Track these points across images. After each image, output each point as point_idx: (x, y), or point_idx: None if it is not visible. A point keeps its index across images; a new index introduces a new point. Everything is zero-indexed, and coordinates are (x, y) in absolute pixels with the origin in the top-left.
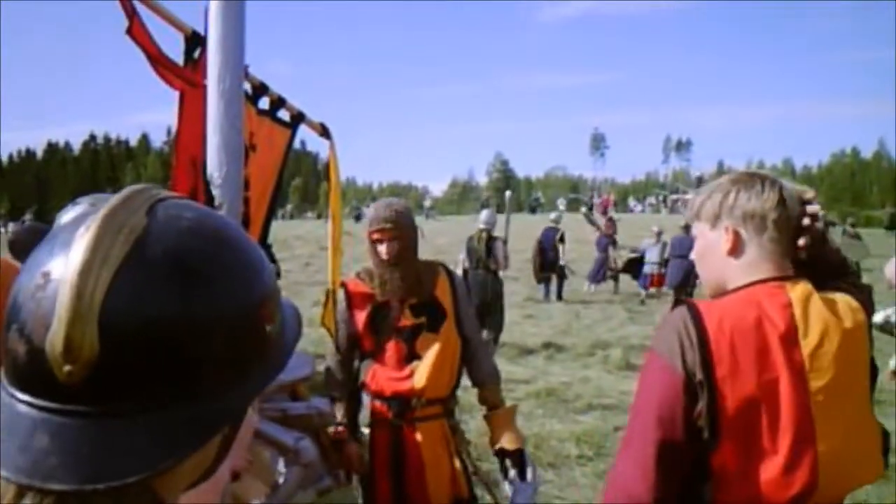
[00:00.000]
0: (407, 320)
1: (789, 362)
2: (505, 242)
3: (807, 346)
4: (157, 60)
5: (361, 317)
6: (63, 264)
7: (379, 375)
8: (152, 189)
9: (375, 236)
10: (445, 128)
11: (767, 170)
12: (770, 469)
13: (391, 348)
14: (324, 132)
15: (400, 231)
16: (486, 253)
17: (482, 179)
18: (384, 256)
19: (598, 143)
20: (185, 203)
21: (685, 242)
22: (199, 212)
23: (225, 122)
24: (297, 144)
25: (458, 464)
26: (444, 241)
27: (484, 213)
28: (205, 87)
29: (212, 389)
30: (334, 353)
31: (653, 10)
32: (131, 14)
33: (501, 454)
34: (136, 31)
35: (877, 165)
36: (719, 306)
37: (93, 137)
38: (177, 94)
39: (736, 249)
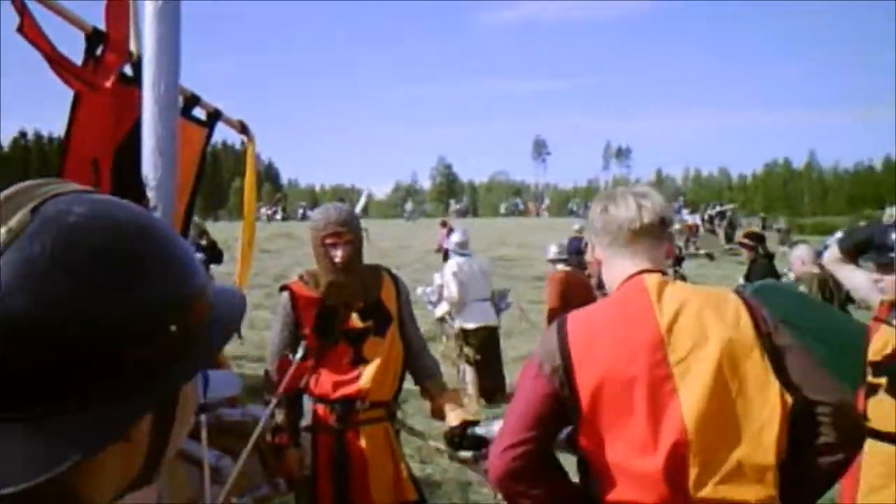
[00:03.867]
0: (354, 323)
1: (646, 339)
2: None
3: (663, 322)
4: (53, 59)
5: (308, 320)
6: None
7: (324, 379)
8: (49, 185)
9: (330, 240)
10: (389, 131)
11: (704, 178)
12: (635, 432)
13: (338, 352)
14: (243, 129)
15: (352, 234)
16: None
17: (426, 183)
18: (338, 260)
19: (540, 149)
20: (85, 197)
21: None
22: (98, 205)
23: (160, 126)
24: (237, 145)
25: (403, 467)
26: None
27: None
28: (107, 89)
29: (111, 391)
30: (275, 357)
31: (592, 18)
32: (21, 11)
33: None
34: (28, 30)
35: (808, 175)
36: (584, 309)
37: (23, 134)
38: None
39: (597, 260)
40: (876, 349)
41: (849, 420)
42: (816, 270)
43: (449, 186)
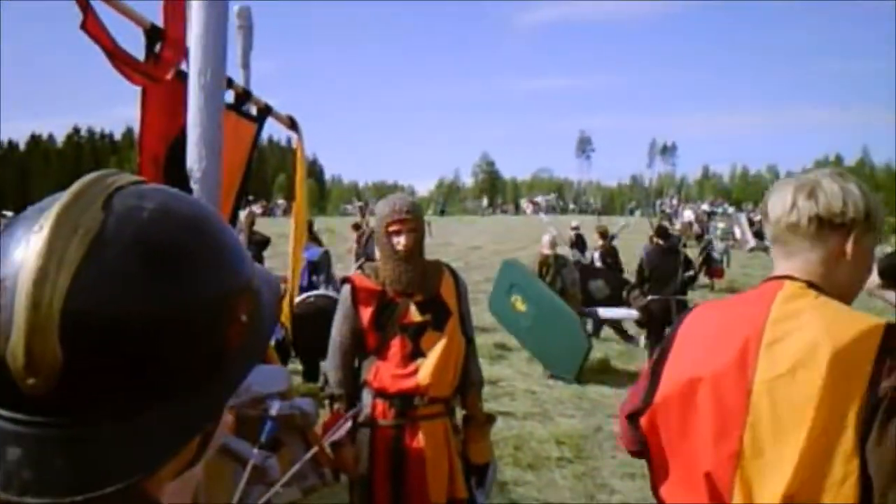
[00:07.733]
0: (413, 317)
1: (739, 351)
2: None
3: (767, 339)
4: (115, 55)
5: (367, 313)
6: (17, 269)
7: (383, 372)
8: (109, 177)
9: (394, 227)
10: (433, 128)
11: (752, 175)
12: (696, 439)
13: (396, 345)
14: (292, 125)
15: (416, 223)
16: None
17: (468, 180)
18: (401, 248)
19: (584, 146)
20: (147, 189)
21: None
22: (164, 198)
23: (205, 117)
24: (282, 141)
25: (457, 463)
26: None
27: None
28: (168, 82)
29: (187, 388)
30: (335, 350)
31: (630, 16)
32: (86, 8)
33: (470, 466)
34: (91, 26)
35: (860, 173)
36: (707, 304)
37: (76, 130)
38: (139, 89)
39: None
40: None
41: None
42: (547, 252)
43: (491, 183)
